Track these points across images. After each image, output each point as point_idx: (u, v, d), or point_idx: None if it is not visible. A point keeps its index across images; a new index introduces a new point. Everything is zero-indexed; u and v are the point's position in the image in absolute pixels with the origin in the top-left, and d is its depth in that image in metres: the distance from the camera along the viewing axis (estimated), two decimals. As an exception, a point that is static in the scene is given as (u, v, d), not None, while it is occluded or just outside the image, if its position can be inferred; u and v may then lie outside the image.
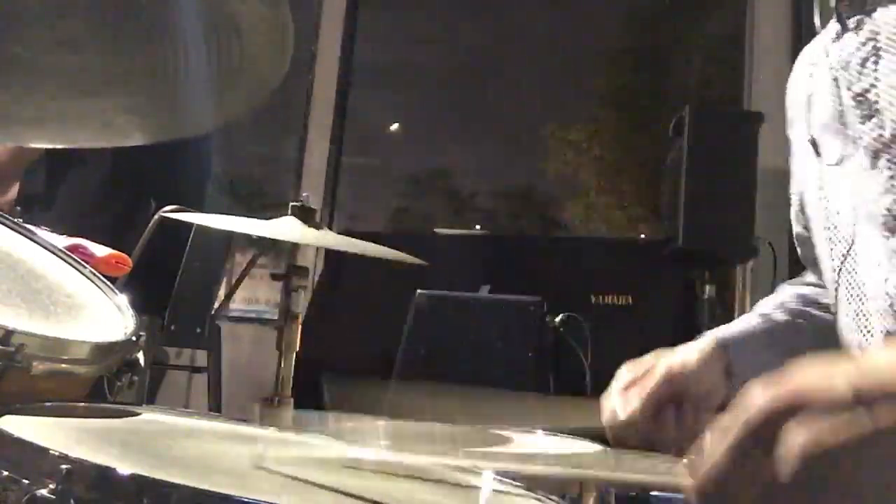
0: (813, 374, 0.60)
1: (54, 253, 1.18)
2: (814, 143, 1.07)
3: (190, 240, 2.75)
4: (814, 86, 1.09)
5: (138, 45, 0.66)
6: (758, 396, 0.60)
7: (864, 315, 1.00)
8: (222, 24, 0.65)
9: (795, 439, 0.57)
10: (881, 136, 0.95)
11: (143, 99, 0.73)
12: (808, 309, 1.21)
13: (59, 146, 0.88)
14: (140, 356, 1.02)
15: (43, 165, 2.70)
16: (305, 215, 1.48)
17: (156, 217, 2.45)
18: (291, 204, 1.48)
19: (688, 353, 1.10)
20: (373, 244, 1.55)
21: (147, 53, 0.67)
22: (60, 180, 2.68)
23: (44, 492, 0.58)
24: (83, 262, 1.19)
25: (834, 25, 1.08)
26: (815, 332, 1.18)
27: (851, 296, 1.02)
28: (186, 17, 0.64)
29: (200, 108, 0.74)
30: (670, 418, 1.06)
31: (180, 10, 0.64)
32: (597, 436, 1.13)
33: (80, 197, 2.67)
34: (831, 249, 1.05)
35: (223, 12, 0.64)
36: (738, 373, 1.11)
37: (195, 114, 0.77)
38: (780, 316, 1.19)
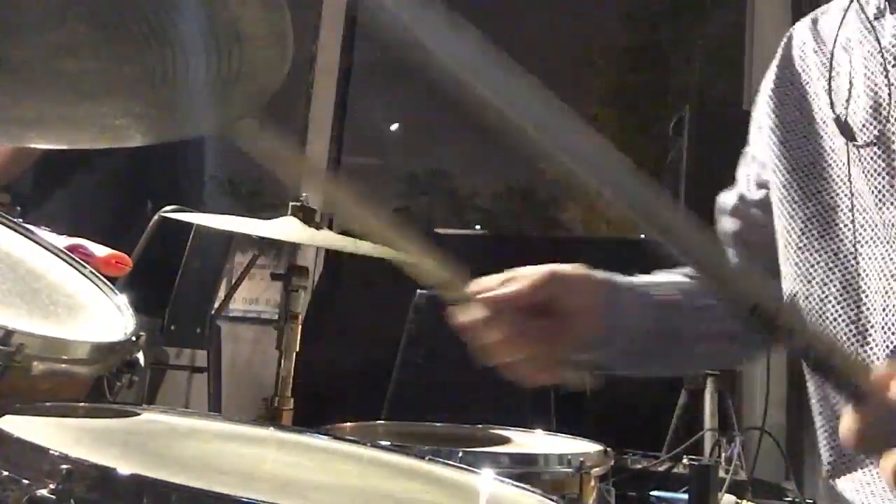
0: None
1: (54, 253, 1.18)
2: (841, 124, 1.04)
3: (190, 240, 2.75)
4: (844, 67, 1.06)
5: (138, 50, 0.66)
6: None
7: (864, 323, 0.99)
8: (222, 29, 0.65)
9: None
10: None
11: (143, 103, 0.73)
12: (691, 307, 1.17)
13: (60, 147, 0.88)
14: (140, 356, 1.01)
15: (31, 169, 2.70)
16: (305, 215, 1.48)
17: (156, 217, 2.45)
18: (291, 204, 1.48)
19: (577, 266, 1.04)
20: (373, 244, 1.55)
21: (147, 58, 0.67)
22: (58, 181, 2.69)
23: (44, 492, 0.58)
24: (83, 262, 1.19)
25: (864, 6, 1.05)
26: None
27: (851, 297, 1.01)
28: (186, 23, 0.65)
29: (200, 112, 0.74)
30: (539, 322, 0.95)
31: (180, 15, 0.64)
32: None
33: (78, 197, 2.67)
34: (834, 246, 1.03)
35: (223, 17, 0.65)
36: (616, 309, 1.06)
37: (194, 117, 0.77)
38: (665, 294, 1.16)
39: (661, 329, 1.12)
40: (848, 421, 0.60)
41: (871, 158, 1.00)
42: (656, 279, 1.18)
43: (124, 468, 0.59)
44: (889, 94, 0.99)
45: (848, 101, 1.04)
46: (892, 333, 0.96)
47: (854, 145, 1.02)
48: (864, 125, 1.01)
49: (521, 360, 0.96)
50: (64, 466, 0.58)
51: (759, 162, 1.20)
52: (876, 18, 1.04)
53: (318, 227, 1.50)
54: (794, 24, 1.20)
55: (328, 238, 1.59)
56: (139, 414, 0.95)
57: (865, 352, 0.98)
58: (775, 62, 1.19)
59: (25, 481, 0.59)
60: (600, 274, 1.07)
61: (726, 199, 1.26)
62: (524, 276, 0.97)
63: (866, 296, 0.99)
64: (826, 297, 1.03)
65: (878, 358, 0.97)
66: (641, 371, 1.17)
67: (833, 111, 1.06)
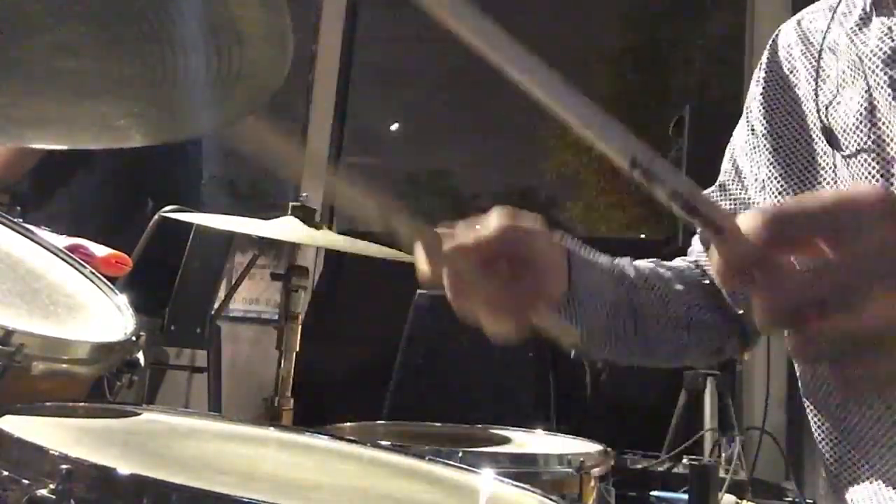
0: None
1: (54, 253, 1.19)
2: (827, 132, 1.04)
3: (190, 240, 2.75)
4: (831, 70, 1.06)
5: (137, 50, 0.66)
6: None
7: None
8: (222, 29, 0.65)
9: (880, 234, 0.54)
10: None
11: (143, 103, 0.73)
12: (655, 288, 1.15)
13: (60, 147, 0.88)
14: (140, 356, 1.02)
15: (31, 169, 2.71)
16: (305, 215, 1.48)
17: (156, 217, 2.46)
18: (291, 204, 1.49)
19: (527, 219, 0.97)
20: (373, 244, 1.55)
21: (146, 58, 0.67)
22: (57, 182, 2.69)
23: (44, 492, 0.58)
24: (83, 262, 1.19)
25: (850, 9, 1.06)
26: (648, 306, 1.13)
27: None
28: (186, 23, 0.65)
29: (200, 112, 0.74)
30: (498, 264, 0.90)
31: (180, 15, 0.64)
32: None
33: (78, 197, 2.67)
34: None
35: (223, 17, 0.65)
36: (575, 276, 1.03)
37: (194, 117, 0.77)
38: (629, 271, 1.14)
39: (621, 304, 1.09)
40: (715, 257, 0.59)
41: (864, 163, 0.99)
42: (621, 260, 1.16)
43: (124, 468, 0.59)
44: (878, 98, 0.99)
45: (837, 105, 1.04)
46: None
47: (842, 152, 1.02)
48: (854, 129, 1.01)
49: (478, 306, 0.92)
50: (64, 466, 0.58)
51: (747, 160, 1.19)
52: (862, 20, 1.04)
53: (318, 227, 1.50)
54: (793, 24, 1.19)
55: (328, 238, 1.59)
56: (139, 414, 0.95)
57: None
58: (762, 64, 1.17)
59: (25, 481, 0.59)
60: (556, 235, 1.02)
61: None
62: (476, 229, 0.91)
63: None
64: None
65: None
66: (608, 353, 1.12)
67: (819, 119, 1.05)
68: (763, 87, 1.16)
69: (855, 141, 1.00)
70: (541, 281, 0.94)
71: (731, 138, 1.24)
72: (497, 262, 0.90)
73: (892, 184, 0.97)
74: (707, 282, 1.19)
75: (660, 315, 1.13)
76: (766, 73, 1.16)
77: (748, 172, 1.18)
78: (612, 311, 1.09)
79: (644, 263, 1.17)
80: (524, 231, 0.94)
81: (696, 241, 1.25)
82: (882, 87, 0.99)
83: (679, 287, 1.16)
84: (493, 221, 0.91)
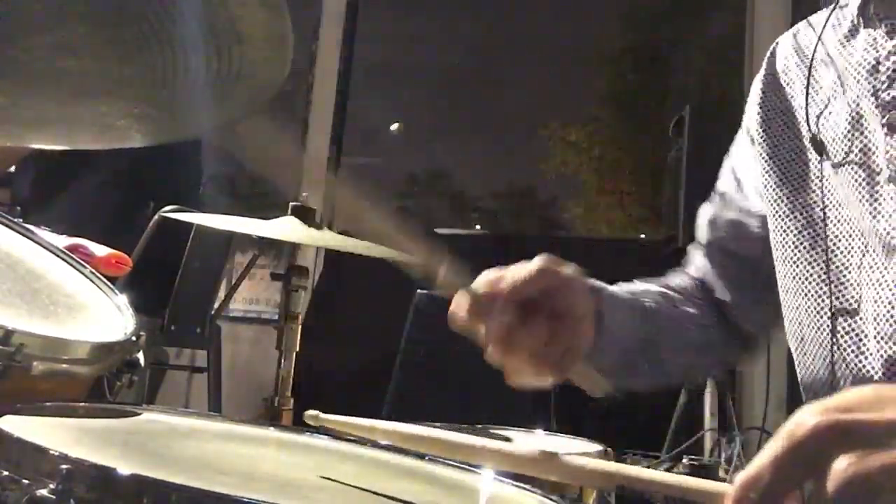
0: (866, 400, 0.61)
1: (54, 253, 1.19)
2: (817, 142, 1.05)
3: (190, 240, 2.75)
4: (823, 81, 1.07)
5: (138, 51, 0.66)
6: (809, 416, 0.60)
7: (858, 334, 0.99)
8: (222, 29, 0.65)
9: (840, 464, 0.58)
10: None
11: (143, 103, 0.73)
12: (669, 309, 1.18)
13: (59, 147, 0.88)
14: (140, 356, 1.02)
15: (31, 169, 2.70)
16: (305, 215, 1.48)
17: (156, 217, 2.46)
18: (291, 204, 1.48)
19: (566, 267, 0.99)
20: (373, 244, 1.55)
21: (146, 59, 0.67)
22: (57, 182, 2.69)
23: (44, 492, 0.58)
24: (83, 262, 1.19)
25: (840, 21, 1.07)
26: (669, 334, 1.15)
27: (843, 310, 1.01)
28: (186, 23, 0.65)
29: (199, 112, 0.75)
30: (540, 317, 0.93)
31: (180, 16, 0.64)
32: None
33: (78, 197, 2.67)
34: (825, 258, 1.03)
35: (223, 18, 0.65)
36: (607, 320, 1.05)
37: (194, 117, 0.77)
38: (648, 303, 1.15)
39: (645, 342, 1.12)
40: None
41: (851, 172, 1.00)
42: (637, 287, 1.17)
43: (124, 468, 0.59)
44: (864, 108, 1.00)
45: (828, 115, 1.05)
46: (886, 343, 0.96)
47: (830, 161, 1.03)
48: (842, 139, 1.02)
49: (518, 359, 0.95)
50: (64, 466, 0.58)
51: (745, 174, 1.20)
52: (850, 32, 1.05)
53: (318, 227, 1.50)
54: (793, 24, 1.20)
55: (328, 238, 1.59)
56: (139, 414, 0.95)
57: (861, 363, 0.98)
58: (760, 76, 1.19)
59: (25, 481, 0.59)
60: (588, 280, 1.05)
61: (709, 208, 1.27)
62: (516, 271, 0.96)
63: (859, 306, 0.99)
64: (821, 309, 1.03)
65: (874, 369, 0.96)
66: (619, 384, 1.15)
67: (809, 129, 1.06)
68: (760, 98, 1.18)
69: (842, 150, 1.01)
70: (576, 331, 0.97)
71: (731, 147, 1.26)
72: (537, 315, 0.93)
73: (877, 192, 0.97)
74: (714, 298, 1.21)
75: (675, 345, 1.15)
76: (763, 83, 1.18)
77: (748, 181, 1.19)
78: (633, 349, 1.11)
79: (654, 288, 1.19)
80: (562, 278, 0.97)
81: (696, 255, 1.26)
82: (867, 98, 1.00)
83: (691, 310, 1.18)
84: (531, 266, 0.94)
